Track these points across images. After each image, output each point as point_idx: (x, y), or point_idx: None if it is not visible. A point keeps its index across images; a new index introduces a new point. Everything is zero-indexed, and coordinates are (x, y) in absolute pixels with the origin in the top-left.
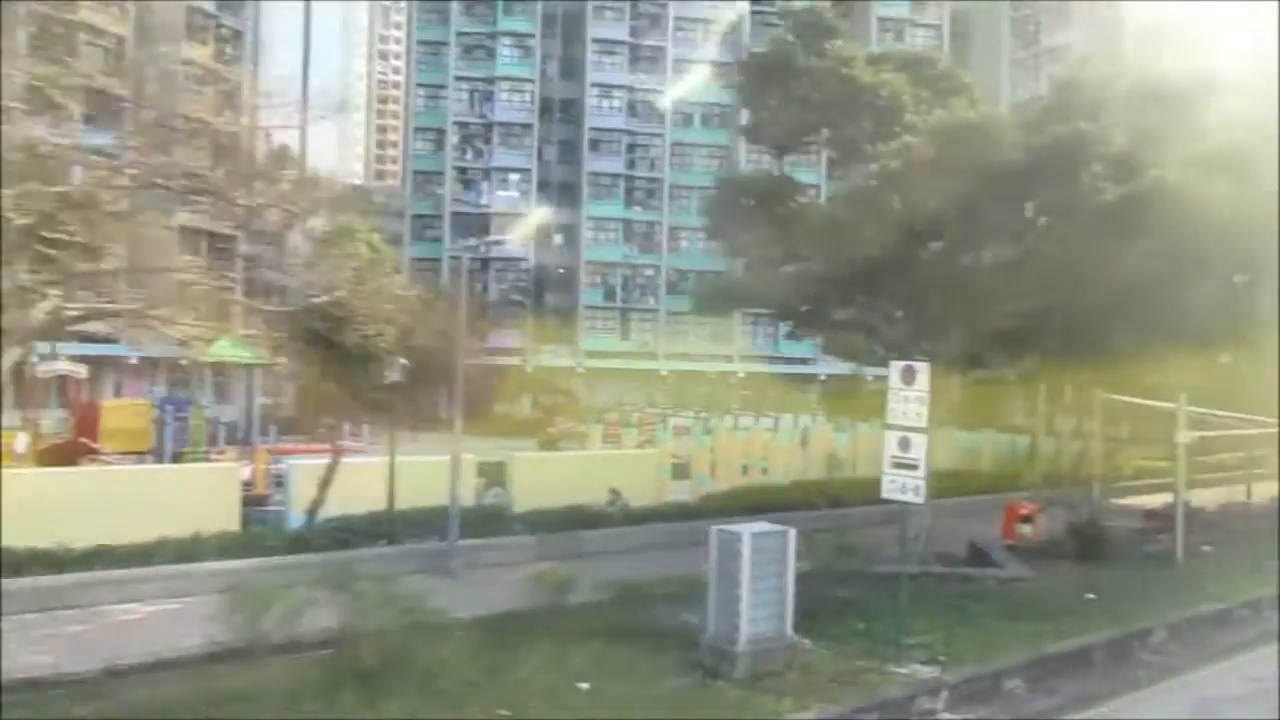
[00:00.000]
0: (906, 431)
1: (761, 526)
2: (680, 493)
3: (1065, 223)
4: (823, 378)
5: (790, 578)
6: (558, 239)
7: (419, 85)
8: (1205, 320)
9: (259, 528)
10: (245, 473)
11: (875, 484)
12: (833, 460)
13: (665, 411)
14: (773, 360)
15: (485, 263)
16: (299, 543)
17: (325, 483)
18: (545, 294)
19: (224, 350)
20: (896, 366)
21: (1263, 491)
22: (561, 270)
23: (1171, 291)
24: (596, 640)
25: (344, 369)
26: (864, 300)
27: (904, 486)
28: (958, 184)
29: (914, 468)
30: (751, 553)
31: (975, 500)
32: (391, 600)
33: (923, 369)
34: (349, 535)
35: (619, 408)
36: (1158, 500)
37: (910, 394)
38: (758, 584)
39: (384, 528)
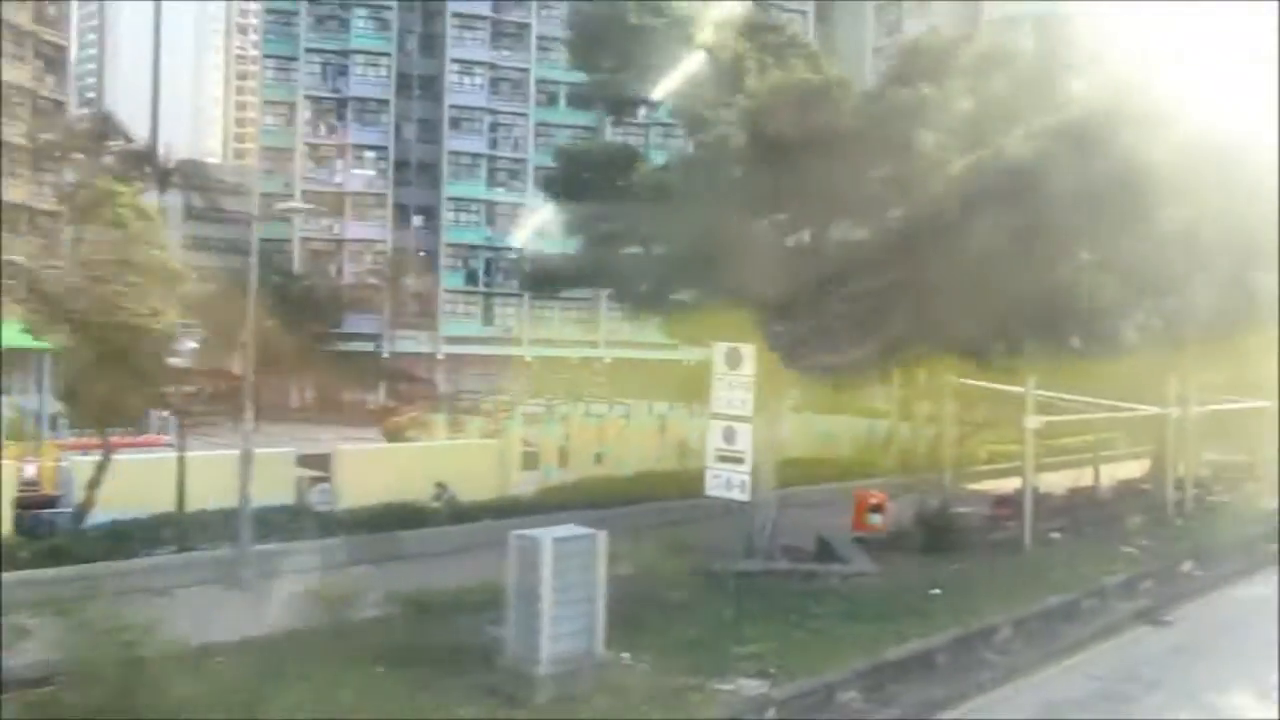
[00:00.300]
0: (731, 421)
1: (566, 530)
2: (529, 484)
3: (911, 195)
4: (690, 363)
5: (601, 587)
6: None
7: (267, 57)
8: (1055, 300)
9: (19, 537)
10: (30, 471)
11: None
12: (685, 448)
13: (516, 399)
14: (638, 346)
15: (340, 244)
16: (59, 553)
17: (94, 482)
18: (403, 277)
19: (10, 335)
20: (721, 349)
21: (1110, 474)
22: (421, 252)
23: (1020, 269)
24: (383, 663)
25: (118, 352)
26: (703, 280)
27: (729, 482)
28: (798, 152)
29: (739, 461)
30: (554, 561)
31: (830, 489)
32: (132, 623)
33: (749, 352)
34: (125, 542)
35: (469, 395)
36: (1008, 486)
37: (736, 379)
38: (562, 596)
39: (171, 532)
